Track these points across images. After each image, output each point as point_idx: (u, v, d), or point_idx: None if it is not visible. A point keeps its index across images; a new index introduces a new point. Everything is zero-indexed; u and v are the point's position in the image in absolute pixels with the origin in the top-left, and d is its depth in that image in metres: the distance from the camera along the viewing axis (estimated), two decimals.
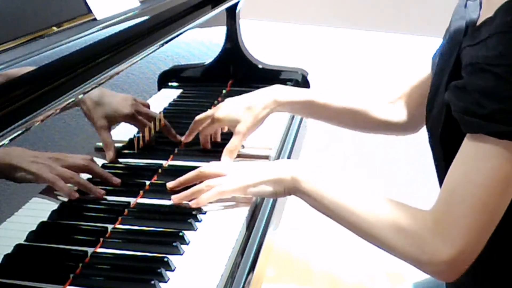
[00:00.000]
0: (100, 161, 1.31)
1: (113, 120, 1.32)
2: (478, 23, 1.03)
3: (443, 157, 1.08)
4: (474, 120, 0.95)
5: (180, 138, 1.50)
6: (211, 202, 1.22)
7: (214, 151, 1.43)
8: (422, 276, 1.20)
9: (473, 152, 0.96)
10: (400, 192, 2.41)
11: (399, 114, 1.40)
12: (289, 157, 1.57)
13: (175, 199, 1.22)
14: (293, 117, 1.81)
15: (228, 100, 1.44)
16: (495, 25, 0.95)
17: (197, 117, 1.46)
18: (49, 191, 1.14)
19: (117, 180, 1.26)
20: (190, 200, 1.21)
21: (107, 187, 1.25)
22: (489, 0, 1.00)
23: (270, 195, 1.22)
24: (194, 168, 1.28)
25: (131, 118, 1.40)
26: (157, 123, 1.51)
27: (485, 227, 0.97)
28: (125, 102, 1.36)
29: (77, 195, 1.17)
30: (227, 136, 1.43)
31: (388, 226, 1.02)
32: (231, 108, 1.42)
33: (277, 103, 1.41)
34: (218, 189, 1.20)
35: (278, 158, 1.53)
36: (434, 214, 1.00)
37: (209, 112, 1.45)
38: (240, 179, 1.20)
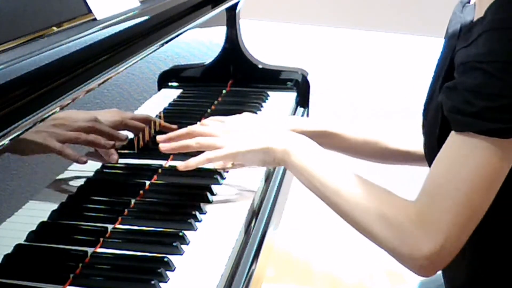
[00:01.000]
0: (96, 164, 1.31)
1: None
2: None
3: None
4: (463, 118, 0.95)
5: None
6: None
7: None
8: None
9: (461, 147, 0.96)
10: (400, 187, 2.39)
11: (419, 144, 1.31)
12: None
13: (162, 147, 1.23)
14: (294, 114, 1.81)
15: (245, 114, 1.45)
16: (484, 23, 0.95)
17: (212, 118, 1.47)
18: (49, 191, 1.14)
19: (124, 136, 1.27)
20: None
21: (108, 187, 1.25)
22: (481, 1, 1.00)
23: (258, 164, 1.22)
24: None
25: (121, 126, 1.38)
26: (157, 124, 1.51)
27: (467, 223, 0.96)
28: (110, 114, 1.35)
29: (84, 159, 1.18)
30: None
31: (371, 212, 1.02)
32: (243, 121, 1.42)
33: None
34: (207, 155, 1.20)
35: None
36: (417, 206, 0.99)
37: (222, 118, 1.45)
38: (230, 145, 1.19)
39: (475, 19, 1.01)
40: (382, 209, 1.01)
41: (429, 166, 1.15)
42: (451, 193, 0.95)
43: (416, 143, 1.33)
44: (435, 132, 1.06)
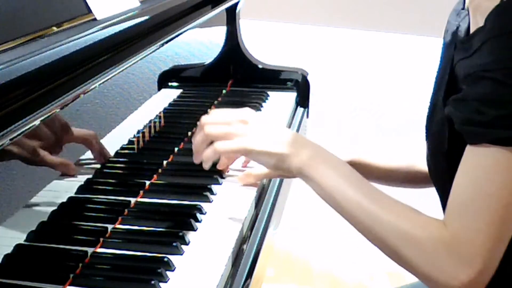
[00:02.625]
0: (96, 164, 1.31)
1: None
2: (468, 35, 1.01)
3: (449, 172, 1.01)
4: (476, 129, 0.92)
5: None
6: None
7: None
8: None
9: (483, 163, 0.92)
10: (403, 192, 2.39)
11: None
12: None
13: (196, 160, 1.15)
14: (293, 116, 1.81)
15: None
16: (486, 31, 0.93)
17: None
18: (49, 191, 1.14)
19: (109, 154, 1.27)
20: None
21: (107, 187, 1.25)
22: (475, 12, 0.99)
23: (269, 167, 1.12)
24: (193, 168, 1.28)
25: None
26: (157, 123, 1.51)
27: (502, 240, 0.93)
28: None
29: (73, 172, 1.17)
30: None
31: (400, 233, 0.96)
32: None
33: None
34: (216, 146, 1.10)
35: None
36: (450, 230, 0.94)
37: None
38: (245, 139, 1.08)
39: (471, 28, 0.99)
40: (413, 232, 0.95)
41: (433, 181, 1.12)
42: (481, 212, 0.91)
43: None
44: (443, 148, 1.03)
